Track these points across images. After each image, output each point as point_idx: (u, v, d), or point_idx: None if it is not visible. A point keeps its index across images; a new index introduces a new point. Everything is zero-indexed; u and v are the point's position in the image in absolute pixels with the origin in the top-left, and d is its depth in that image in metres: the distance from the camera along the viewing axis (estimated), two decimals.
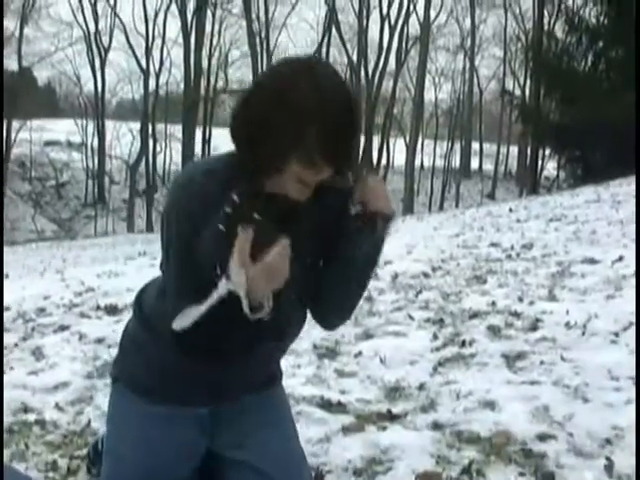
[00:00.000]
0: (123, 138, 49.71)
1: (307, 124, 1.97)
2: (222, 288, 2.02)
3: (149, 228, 40.08)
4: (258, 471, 2.42)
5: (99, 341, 5.52)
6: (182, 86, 43.68)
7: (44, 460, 3.41)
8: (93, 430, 3.75)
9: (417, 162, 44.92)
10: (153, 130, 46.71)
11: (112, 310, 6.72)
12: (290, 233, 2.02)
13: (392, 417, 3.78)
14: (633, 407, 3.70)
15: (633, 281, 6.47)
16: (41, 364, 4.89)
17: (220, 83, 52.30)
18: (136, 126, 46.96)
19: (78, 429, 3.80)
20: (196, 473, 2.51)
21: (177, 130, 44.78)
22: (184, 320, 2.10)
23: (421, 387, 4.22)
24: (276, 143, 2.00)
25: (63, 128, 52.73)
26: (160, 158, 49.24)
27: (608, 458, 3.15)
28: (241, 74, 50.92)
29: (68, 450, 3.53)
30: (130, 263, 12.31)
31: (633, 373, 4.18)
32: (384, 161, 50.11)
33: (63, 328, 6.02)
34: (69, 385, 4.49)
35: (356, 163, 2.17)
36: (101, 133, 47.91)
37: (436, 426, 3.65)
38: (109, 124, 49.91)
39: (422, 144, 49.08)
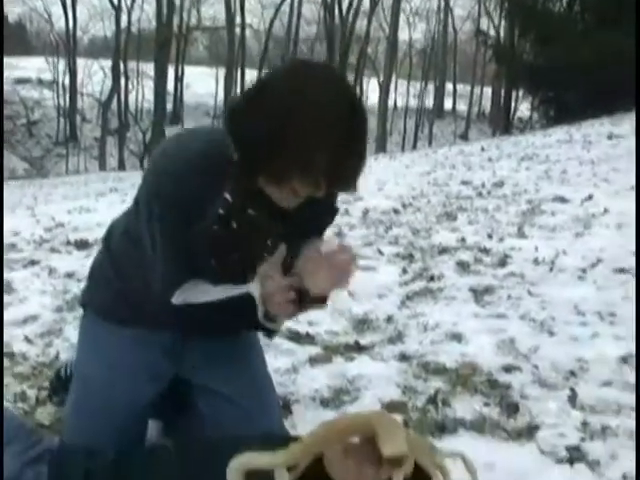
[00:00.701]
0: (95, 76, 49.11)
1: (318, 151, 1.92)
2: (243, 289, 2.08)
3: (121, 166, 39.76)
4: (227, 399, 2.43)
5: (69, 275, 5.51)
6: (154, 23, 43.03)
7: (12, 391, 3.40)
8: (61, 363, 3.75)
9: (390, 102, 44.84)
10: (125, 68, 46.09)
11: (82, 245, 6.71)
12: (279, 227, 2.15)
13: (360, 348, 3.81)
14: (599, 341, 3.75)
15: (602, 219, 6.54)
16: (10, 298, 4.87)
17: (193, 20, 51.81)
18: (108, 64, 46.30)
19: (47, 361, 3.80)
20: (163, 397, 2.52)
21: (149, 68, 44.22)
22: (187, 297, 2.17)
23: (389, 319, 4.26)
24: (282, 166, 1.96)
25: (34, 66, 51.97)
26: (132, 96, 48.71)
27: (572, 389, 3.19)
28: (214, 11, 50.48)
29: (37, 381, 3.52)
30: (101, 199, 12.29)
31: (600, 308, 4.24)
32: None
33: (33, 263, 6.00)
34: (38, 318, 4.48)
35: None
36: (72, 71, 47.09)
37: (403, 357, 3.68)
38: (80, 62, 49.17)
39: (396, 84, 48.93)
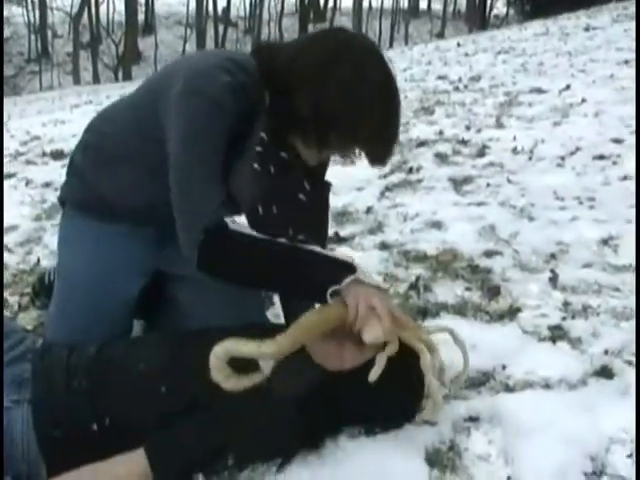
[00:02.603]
0: None
1: (365, 128, 1.98)
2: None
3: (95, 80, 39.24)
4: (208, 287, 2.41)
5: (46, 185, 5.53)
6: None
7: None
8: (42, 269, 3.74)
9: (365, 3, 44.29)
10: None
11: (58, 155, 6.72)
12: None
13: (340, 239, 3.81)
14: (578, 224, 3.74)
15: (579, 109, 6.51)
16: None
17: None
18: None
19: (27, 268, 3.80)
20: (146, 295, 2.50)
21: None
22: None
23: (368, 211, 4.26)
24: (334, 140, 2.02)
25: None
26: (103, 8, 47.93)
27: (553, 271, 3.19)
28: None
29: (18, 288, 3.51)
30: (76, 111, 12.20)
31: (579, 194, 4.24)
32: (331, 3, 49.39)
33: (10, 176, 6.01)
34: (18, 228, 4.48)
35: None
36: None
37: (384, 246, 3.68)
38: None
39: None
